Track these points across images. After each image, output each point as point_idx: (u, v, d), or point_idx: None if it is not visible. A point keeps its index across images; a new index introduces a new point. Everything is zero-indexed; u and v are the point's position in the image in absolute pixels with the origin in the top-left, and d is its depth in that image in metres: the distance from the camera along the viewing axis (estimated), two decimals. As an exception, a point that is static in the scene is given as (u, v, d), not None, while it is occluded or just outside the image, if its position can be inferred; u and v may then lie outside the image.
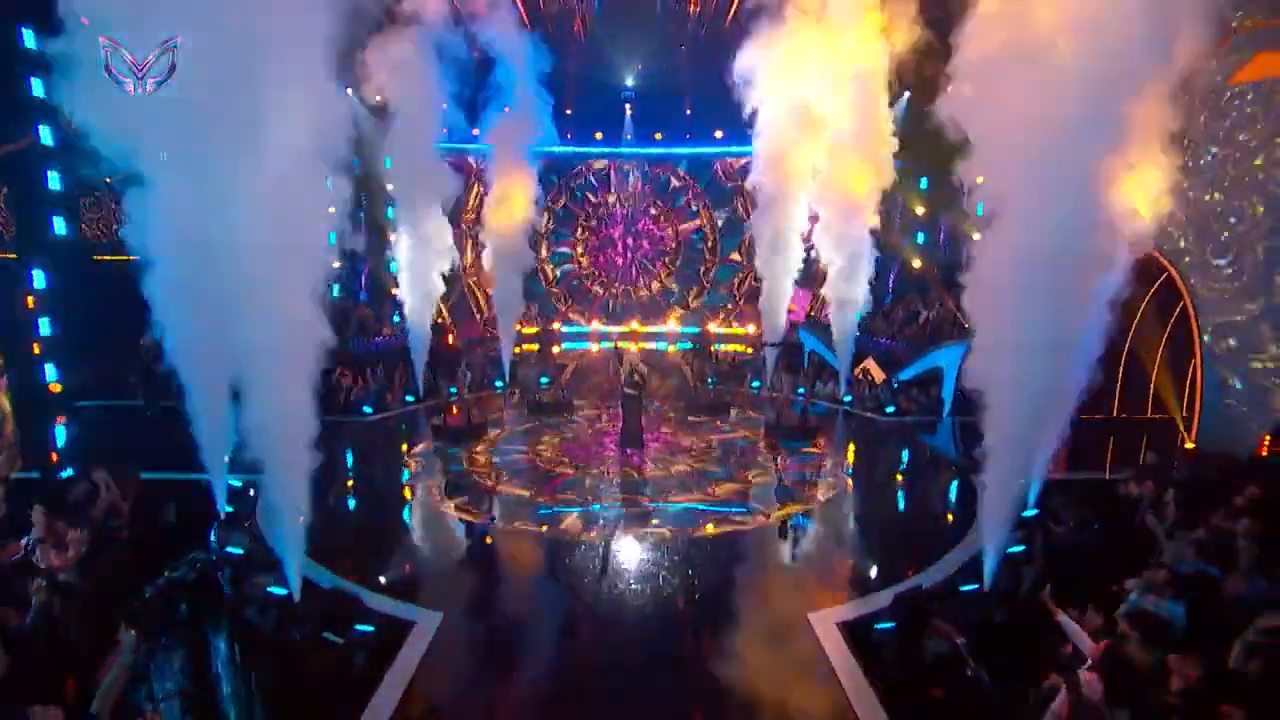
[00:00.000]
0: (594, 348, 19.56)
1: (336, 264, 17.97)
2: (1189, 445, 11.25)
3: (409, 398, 14.50)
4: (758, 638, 6.64)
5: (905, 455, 12.50)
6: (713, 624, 6.83)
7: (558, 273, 20.21)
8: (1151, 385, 12.52)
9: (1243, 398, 10.68)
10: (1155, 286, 11.73)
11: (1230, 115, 10.49)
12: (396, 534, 9.24)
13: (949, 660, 5.76)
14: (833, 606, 6.98)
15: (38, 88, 12.80)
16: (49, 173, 13.35)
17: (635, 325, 19.73)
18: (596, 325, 20.25)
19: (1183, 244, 11.18)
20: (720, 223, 19.76)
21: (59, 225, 13.65)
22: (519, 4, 15.03)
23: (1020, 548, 6.97)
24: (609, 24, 15.95)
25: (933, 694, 5.51)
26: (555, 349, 18.58)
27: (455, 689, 6.08)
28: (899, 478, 11.76)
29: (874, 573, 7.92)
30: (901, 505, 10.59)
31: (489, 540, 8.92)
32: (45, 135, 13.13)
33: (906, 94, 16.54)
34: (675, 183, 19.64)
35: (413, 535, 9.28)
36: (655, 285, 20.32)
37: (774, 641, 6.56)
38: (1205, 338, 11.00)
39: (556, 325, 19.40)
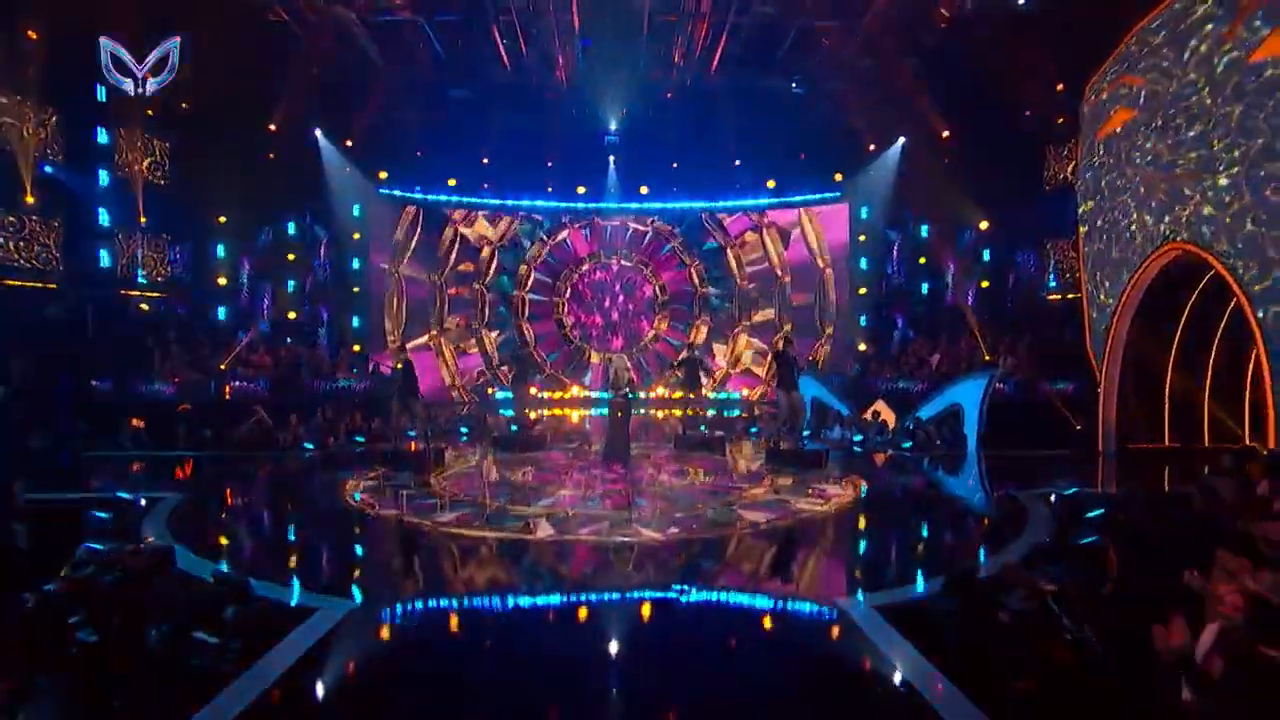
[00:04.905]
0: (574, 415, 17.87)
1: (292, 315, 16.73)
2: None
3: (358, 438, 12.69)
4: (783, 627, 5.17)
5: (922, 478, 10.69)
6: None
7: (535, 333, 18.89)
8: (1205, 403, 11.07)
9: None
10: (1198, 289, 10.59)
11: (1246, 96, 9.74)
12: (308, 530, 7.67)
13: (1036, 620, 4.22)
14: (868, 593, 5.53)
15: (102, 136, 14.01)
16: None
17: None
18: (577, 390, 18.70)
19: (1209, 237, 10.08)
20: (706, 278, 18.78)
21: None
22: (501, 50, 14.63)
23: (1093, 538, 5.79)
24: (592, 72, 15.56)
25: (1020, 686, 3.84)
26: (531, 415, 16.86)
27: (347, 677, 4.20)
28: (921, 489, 9.99)
29: (905, 567, 6.52)
30: (925, 511, 8.68)
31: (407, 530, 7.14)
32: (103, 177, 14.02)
33: (901, 139, 16.26)
34: (660, 238, 18.81)
35: (324, 530, 7.58)
36: (642, 347, 19.00)
37: (804, 630, 5.06)
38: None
39: (534, 390, 17.78)
